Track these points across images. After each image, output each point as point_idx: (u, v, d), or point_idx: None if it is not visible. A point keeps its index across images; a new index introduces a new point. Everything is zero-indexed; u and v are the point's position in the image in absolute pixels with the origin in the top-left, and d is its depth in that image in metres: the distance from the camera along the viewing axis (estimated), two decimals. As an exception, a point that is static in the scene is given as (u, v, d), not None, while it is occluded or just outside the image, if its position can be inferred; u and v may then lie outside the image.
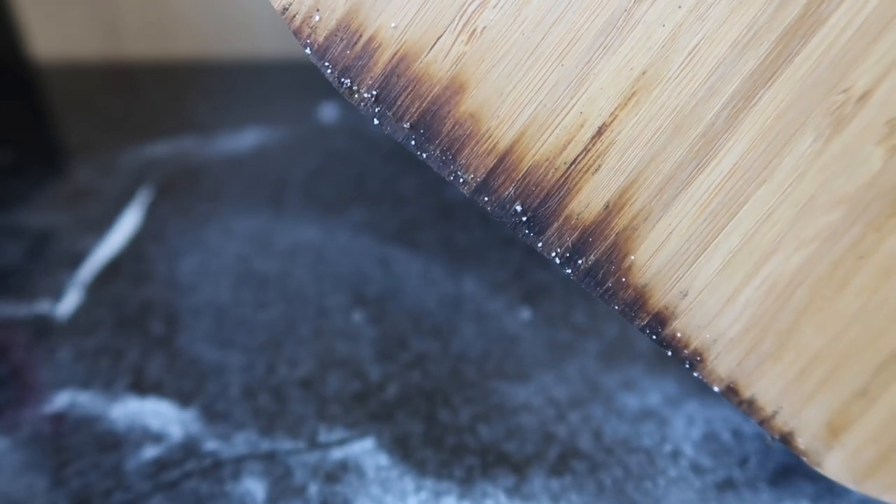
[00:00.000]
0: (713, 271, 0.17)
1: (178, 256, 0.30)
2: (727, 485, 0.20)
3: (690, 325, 0.18)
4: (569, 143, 0.17)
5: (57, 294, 0.28)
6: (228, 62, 0.49)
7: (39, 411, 0.23)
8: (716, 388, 0.18)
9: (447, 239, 0.31)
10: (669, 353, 0.18)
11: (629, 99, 0.17)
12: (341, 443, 0.22)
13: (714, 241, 0.17)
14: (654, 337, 0.18)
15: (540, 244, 0.18)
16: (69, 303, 0.28)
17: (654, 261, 0.18)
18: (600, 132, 0.17)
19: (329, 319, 0.27)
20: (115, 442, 0.22)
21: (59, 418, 0.23)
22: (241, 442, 0.22)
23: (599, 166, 0.17)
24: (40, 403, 0.24)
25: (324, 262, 0.30)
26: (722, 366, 0.18)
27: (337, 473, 0.21)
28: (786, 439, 0.18)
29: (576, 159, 0.17)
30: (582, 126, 0.17)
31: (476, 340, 0.26)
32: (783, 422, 0.18)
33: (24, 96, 0.46)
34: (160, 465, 0.21)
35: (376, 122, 0.17)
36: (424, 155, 0.18)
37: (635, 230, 0.17)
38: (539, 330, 0.26)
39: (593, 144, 0.17)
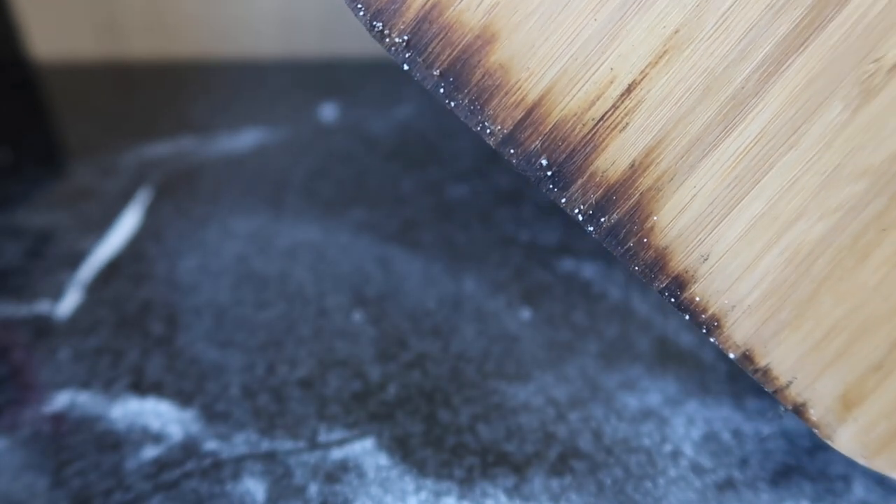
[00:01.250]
0: (735, 236, 0.17)
1: (178, 256, 0.30)
2: (727, 485, 0.20)
3: (709, 290, 0.18)
4: (598, 99, 0.17)
5: (57, 294, 0.28)
6: (228, 62, 0.49)
7: (39, 411, 0.23)
8: (731, 355, 0.18)
9: (447, 239, 0.31)
10: (687, 317, 0.18)
11: (660, 57, 0.17)
12: (341, 443, 0.22)
13: (738, 205, 0.17)
14: (673, 300, 0.18)
15: (563, 200, 0.18)
16: (69, 303, 0.28)
17: (676, 223, 0.18)
18: (630, 90, 0.17)
19: (329, 319, 0.27)
20: (115, 442, 0.22)
21: (59, 418, 0.23)
22: (241, 442, 0.22)
23: (627, 124, 0.17)
24: (40, 403, 0.24)
25: (324, 262, 0.30)
26: (739, 332, 0.18)
27: (337, 473, 0.21)
28: (798, 410, 0.18)
29: (604, 116, 0.17)
30: (612, 83, 0.17)
31: (476, 340, 0.26)
32: (797, 392, 0.18)
33: (23, 96, 0.46)
34: (160, 465, 0.21)
35: (406, 67, 0.17)
36: (452, 104, 0.17)
37: (660, 191, 0.17)
38: (539, 330, 0.26)
39: (622, 101, 0.17)
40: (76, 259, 0.30)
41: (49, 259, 0.30)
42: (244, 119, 0.41)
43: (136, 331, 0.26)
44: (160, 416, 0.23)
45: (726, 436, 0.22)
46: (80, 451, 0.22)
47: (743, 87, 0.17)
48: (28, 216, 0.33)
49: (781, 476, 0.21)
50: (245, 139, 0.39)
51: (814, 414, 0.18)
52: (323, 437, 0.22)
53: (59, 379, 0.24)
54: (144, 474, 0.21)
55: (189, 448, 0.22)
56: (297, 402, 0.23)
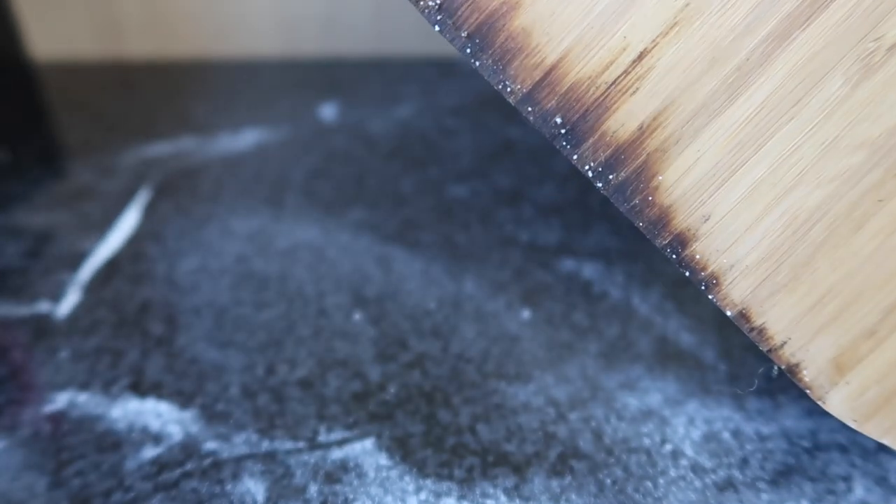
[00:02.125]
0: (736, 199, 0.18)
1: (178, 256, 0.30)
2: (727, 485, 0.20)
3: (709, 249, 0.19)
4: (611, 64, 0.18)
5: (56, 294, 0.28)
6: (228, 62, 0.49)
7: (39, 411, 0.23)
8: (728, 313, 0.19)
9: (447, 239, 0.31)
10: (687, 274, 0.19)
11: (671, 28, 0.18)
12: (341, 443, 0.22)
13: (739, 170, 0.18)
14: (675, 256, 0.19)
15: (575, 156, 0.19)
16: (69, 303, 0.28)
17: (680, 183, 0.18)
18: (641, 57, 0.18)
19: (329, 319, 0.27)
20: (115, 442, 0.22)
21: (58, 418, 0.23)
22: (241, 442, 0.22)
23: (637, 89, 0.18)
24: (40, 403, 0.23)
25: (324, 262, 0.30)
26: (736, 291, 0.19)
27: (337, 473, 0.21)
28: (791, 371, 0.19)
29: (616, 80, 0.18)
30: (624, 50, 0.18)
31: (476, 341, 0.26)
32: (791, 353, 0.19)
33: (23, 96, 0.46)
34: (160, 465, 0.21)
35: (437, 28, 0.19)
36: (477, 63, 0.19)
37: (665, 152, 0.18)
38: (539, 330, 0.26)
39: (633, 68, 0.18)
40: (76, 259, 0.30)
41: (49, 259, 0.30)
42: (244, 119, 0.41)
43: (135, 331, 0.26)
44: (160, 417, 0.23)
45: (726, 436, 0.22)
46: (80, 451, 0.22)
47: (748, 59, 0.17)
48: (28, 216, 0.33)
49: (782, 476, 0.21)
50: (245, 139, 0.39)
51: (807, 375, 0.19)
52: (323, 437, 0.22)
53: (58, 379, 0.24)
54: (144, 474, 0.21)
55: (189, 448, 0.22)
56: (297, 402, 0.23)
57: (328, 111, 0.42)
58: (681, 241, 0.19)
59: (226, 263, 0.30)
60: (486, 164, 0.37)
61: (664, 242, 0.19)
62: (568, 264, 0.29)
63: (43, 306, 0.28)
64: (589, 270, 0.29)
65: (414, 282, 0.28)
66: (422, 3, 0.19)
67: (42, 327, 0.27)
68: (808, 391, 0.19)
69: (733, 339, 0.25)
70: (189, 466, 0.21)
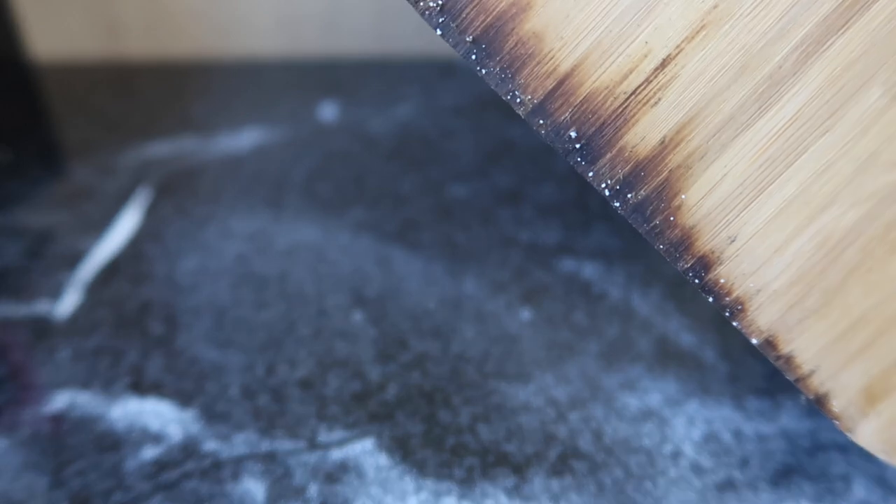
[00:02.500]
0: (765, 219, 0.17)
1: (178, 256, 0.30)
2: (727, 485, 0.20)
3: (735, 273, 0.17)
4: (631, 72, 0.17)
5: (56, 294, 0.28)
6: (228, 62, 0.49)
7: (39, 411, 0.23)
8: (753, 341, 0.18)
9: (447, 239, 0.31)
10: (711, 300, 0.18)
11: (697, 32, 0.16)
12: (341, 443, 0.22)
13: (769, 187, 0.17)
14: (697, 281, 0.18)
15: (591, 174, 0.17)
16: (68, 303, 0.28)
17: (705, 202, 0.17)
18: (664, 64, 0.17)
19: (329, 319, 0.27)
20: (115, 442, 0.22)
21: (58, 418, 0.23)
22: (241, 442, 0.22)
23: (659, 99, 0.17)
24: (40, 403, 0.23)
25: (324, 262, 0.30)
26: (763, 317, 0.18)
27: (337, 473, 0.21)
28: (820, 401, 0.18)
29: (636, 90, 0.17)
30: (646, 56, 0.17)
31: (476, 340, 0.26)
32: (819, 382, 0.18)
33: (23, 96, 0.46)
34: (160, 465, 0.21)
35: (439, 32, 0.17)
36: (483, 71, 0.17)
37: (689, 168, 0.17)
38: (539, 330, 0.26)
39: (655, 76, 0.17)
40: (76, 259, 0.30)
41: (49, 259, 0.30)
42: (244, 119, 0.41)
43: (135, 331, 0.26)
44: (160, 417, 0.23)
45: (726, 436, 0.22)
46: (79, 451, 0.22)
47: (781, 67, 0.16)
48: (28, 216, 0.33)
49: (781, 476, 0.21)
50: (245, 139, 0.39)
51: (836, 405, 0.18)
52: (323, 437, 0.22)
53: (58, 379, 0.24)
54: (144, 474, 0.21)
55: (189, 448, 0.22)
56: (297, 403, 0.23)
57: (328, 111, 0.42)
58: (704, 264, 0.17)
59: (226, 264, 0.30)
60: (486, 164, 0.37)
61: (686, 266, 0.18)
62: (568, 264, 0.29)
63: (43, 306, 0.28)
64: (589, 270, 0.29)
65: (414, 282, 0.28)
66: (422, 3, 0.17)
67: (42, 327, 0.27)
68: (836, 422, 0.18)
69: (733, 339, 0.25)
70: (189, 466, 0.21)
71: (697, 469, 0.21)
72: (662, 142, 0.17)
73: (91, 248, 0.31)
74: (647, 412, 0.23)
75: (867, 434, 0.18)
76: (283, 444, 0.22)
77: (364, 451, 0.22)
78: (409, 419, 0.23)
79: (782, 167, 0.17)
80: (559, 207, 0.33)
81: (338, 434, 0.22)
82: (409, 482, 0.21)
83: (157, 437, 0.22)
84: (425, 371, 0.24)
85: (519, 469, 0.21)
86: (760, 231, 0.17)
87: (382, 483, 0.21)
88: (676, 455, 0.21)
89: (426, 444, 0.22)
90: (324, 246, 0.31)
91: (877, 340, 0.17)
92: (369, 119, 0.41)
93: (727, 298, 0.18)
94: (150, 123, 0.41)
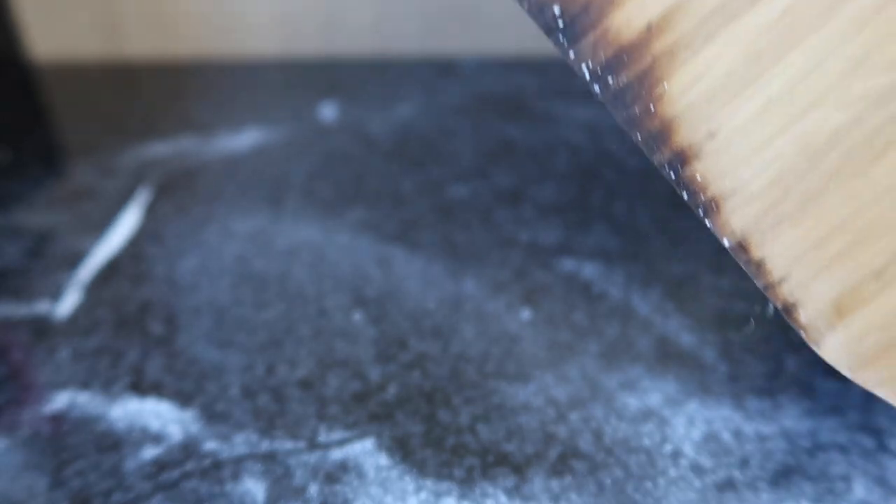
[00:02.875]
0: (747, 117, 0.16)
1: (178, 256, 0.30)
2: (727, 485, 0.20)
3: (712, 170, 0.17)
4: None
5: (56, 294, 0.28)
6: (228, 62, 0.49)
7: (39, 411, 0.23)
8: (726, 243, 0.17)
9: (447, 239, 0.31)
10: (685, 196, 0.17)
11: None
12: (341, 443, 0.22)
13: (754, 83, 0.16)
14: (673, 176, 0.17)
15: (572, 54, 0.17)
16: (68, 303, 0.28)
17: (687, 94, 0.16)
18: None
19: (329, 319, 0.27)
20: (115, 442, 0.22)
21: (58, 418, 0.23)
22: (241, 442, 0.22)
23: None
24: (40, 403, 0.24)
25: (324, 262, 0.30)
26: (737, 219, 0.17)
27: (337, 473, 0.21)
28: (788, 310, 0.17)
29: None
30: None
31: (476, 340, 0.26)
32: (789, 291, 0.17)
33: (23, 96, 0.46)
34: (160, 465, 0.21)
35: None
36: None
37: (673, 57, 0.16)
38: (539, 330, 0.26)
39: None
40: (76, 259, 0.30)
41: (49, 259, 0.30)
42: (244, 119, 0.41)
43: (135, 331, 0.26)
44: (160, 417, 0.23)
45: (726, 436, 0.22)
46: (79, 451, 0.22)
47: None
48: (28, 216, 0.33)
49: (781, 476, 0.21)
50: (245, 139, 0.39)
51: (803, 316, 0.17)
52: (323, 437, 0.22)
53: (58, 379, 0.24)
54: (144, 474, 0.21)
55: (189, 448, 0.22)
56: (297, 403, 0.23)
57: (328, 111, 0.42)
58: (682, 158, 0.17)
59: (226, 263, 0.30)
60: (486, 164, 0.37)
61: (663, 159, 0.17)
62: (568, 264, 0.29)
63: (43, 306, 0.28)
64: (589, 270, 0.29)
65: (414, 282, 0.28)
66: None
67: (42, 327, 0.27)
68: (802, 332, 0.17)
69: (733, 339, 0.25)
70: (189, 466, 0.21)
71: (697, 469, 0.21)
72: (649, 27, 0.16)
73: (91, 248, 0.31)
74: (647, 412, 0.23)
75: (833, 347, 0.17)
76: (283, 444, 0.22)
77: (364, 451, 0.22)
78: (409, 419, 0.23)
79: (770, 63, 0.16)
80: (559, 207, 0.33)
81: (338, 434, 0.22)
82: (409, 482, 0.21)
83: (157, 437, 0.22)
84: (425, 371, 0.24)
85: (519, 469, 0.21)
86: (742, 129, 0.16)
87: (382, 483, 0.21)
88: (676, 455, 0.21)
89: (426, 444, 0.22)
90: (324, 246, 0.31)
91: (852, 251, 0.16)
92: (369, 119, 0.41)
93: (702, 196, 0.17)
94: (150, 123, 0.41)
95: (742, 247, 0.17)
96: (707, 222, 0.17)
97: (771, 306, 0.17)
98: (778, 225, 0.17)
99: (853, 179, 0.16)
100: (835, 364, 0.17)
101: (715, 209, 0.17)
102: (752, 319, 0.18)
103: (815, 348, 0.17)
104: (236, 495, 0.20)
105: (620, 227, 0.31)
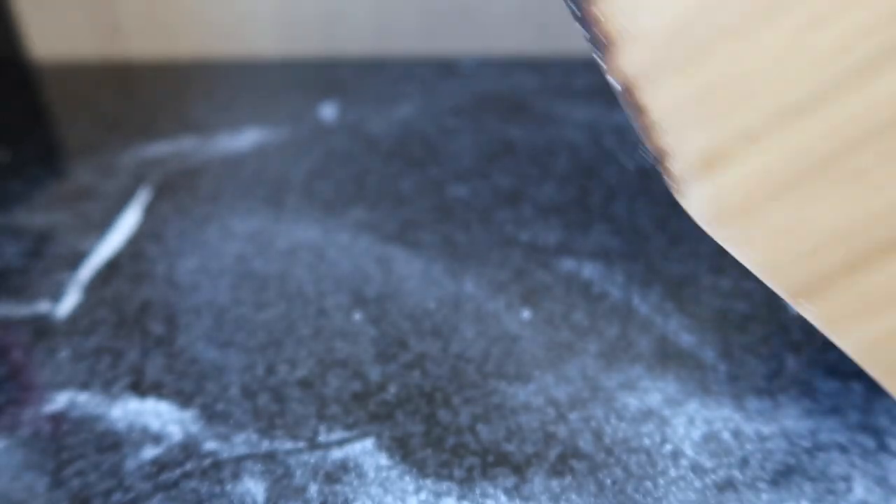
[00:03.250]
0: None
1: (178, 256, 0.30)
2: (727, 485, 0.20)
3: (612, 7, 0.17)
4: None
5: (56, 294, 0.28)
6: (228, 62, 0.49)
7: (39, 411, 0.23)
8: (616, 85, 0.17)
9: (447, 239, 0.31)
10: (585, 33, 0.17)
11: None
12: (341, 443, 0.22)
13: None
14: (577, 10, 0.17)
15: None
16: (69, 303, 0.28)
17: None
18: None
19: (329, 319, 0.27)
20: (115, 442, 0.22)
21: (58, 418, 0.23)
22: (241, 442, 0.22)
23: None
24: (40, 403, 0.24)
25: (324, 262, 0.30)
26: (627, 61, 0.17)
27: (337, 474, 0.21)
28: (660, 158, 0.18)
29: None
30: None
31: (476, 341, 0.26)
32: (664, 139, 0.17)
33: (23, 96, 0.46)
34: (160, 465, 0.21)
35: None
36: None
37: None
38: (539, 330, 0.26)
39: None
40: (76, 259, 0.30)
41: (49, 259, 0.30)
42: (244, 119, 0.41)
43: (135, 331, 0.26)
44: (160, 417, 0.23)
45: (726, 436, 0.22)
46: (79, 451, 0.22)
47: None
48: (28, 216, 0.33)
49: (781, 476, 0.21)
50: (245, 139, 0.39)
51: (673, 165, 0.17)
52: (323, 437, 0.22)
53: (58, 379, 0.24)
54: (144, 474, 0.21)
55: (189, 448, 0.22)
56: (297, 402, 0.23)
57: (328, 111, 0.42)
58: None
59: (226, 263, 0.30)
60: (486, 164, 0.37)
61: None
62: (568, 264, 0.29)
63: (43, 306, 0.28)
64: (589, 270, 0.29)
65: (414, 282, 0.28)
66: None
67: (42, 327, 0.27)
68: (669, 182, 0.17)
69: (733, 340, 0.25)
70: (189, 466, 0.21)
71: (697, 469, 0.21)
72: None
73: (91, 248, 0.31)
74: (647, 412, 0.23)
75: (695, 199, 0.17)
76: (283, 444, 0.22)
77: (364, 451, 0.22)
78: (409, 419, 0.23)
79: None
80: (559, 207, 0.33)
81: (338, 434, 0.22)
82: (409, 482, 0.21)
83: (157, 437, 0.22)
84: (425, 371, 0.24)
85: (519, 469, 0.21)
86: None
87: (382, 483, 0.21)
88: (676, 455, 0.21)
89: (426, 444, 0.22)
90: (324, 246, 0.31)
91: (730, 108, 0.17)
92: (369, 119, 0.41)
93: (598, 34, 0.17)
94: (150, 123, 0.41)
95: (628, 90, 0.17)
96: (600, 61, 0.17)
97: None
98: (664, 72, 0.17)
99: (743, 39, 0.16)
100: (695, 217, 0.18)
101: (608, 49, 0.17)
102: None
103: (678, 198, 0.18)
104: (236, 495, 0.20)
105: (620, 227, 0.31)
